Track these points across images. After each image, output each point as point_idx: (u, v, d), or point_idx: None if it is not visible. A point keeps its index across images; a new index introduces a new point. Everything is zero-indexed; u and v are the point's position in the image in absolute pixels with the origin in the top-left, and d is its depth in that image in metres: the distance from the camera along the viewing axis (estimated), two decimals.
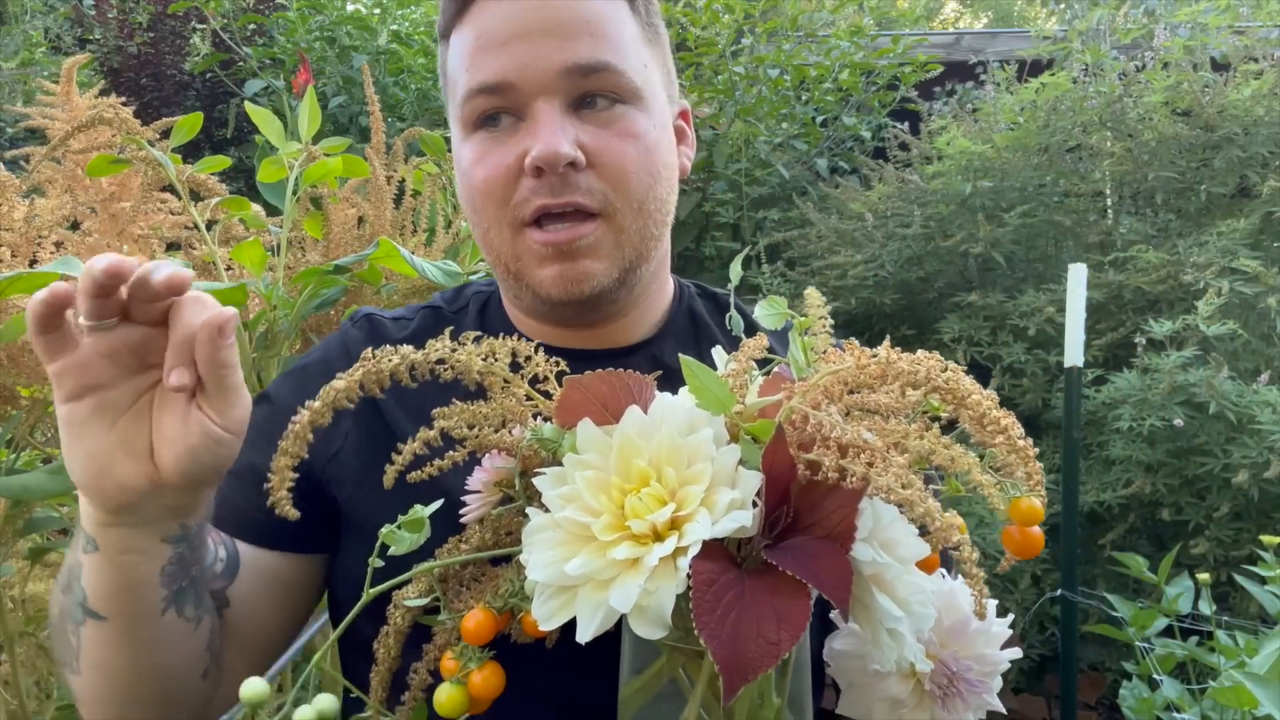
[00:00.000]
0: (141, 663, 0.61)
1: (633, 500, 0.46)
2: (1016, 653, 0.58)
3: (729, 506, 0.44)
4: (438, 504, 0.55)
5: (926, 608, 0.47)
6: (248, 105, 1.21)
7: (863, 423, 0.47)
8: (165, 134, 1.17)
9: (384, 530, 0.52)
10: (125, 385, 0.53)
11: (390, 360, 0.52)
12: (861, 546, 0.45)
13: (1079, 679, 2.24)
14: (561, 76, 0.66)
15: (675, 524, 0.45)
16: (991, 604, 0.57)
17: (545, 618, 0.46)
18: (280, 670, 1.14)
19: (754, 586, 0.43)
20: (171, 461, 0.53)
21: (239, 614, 0.70)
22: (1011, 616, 0.60)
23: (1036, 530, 0.48)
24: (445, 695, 0.50)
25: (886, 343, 0.49)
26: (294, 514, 0.51)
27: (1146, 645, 1.68)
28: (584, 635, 0.44)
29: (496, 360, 0.54)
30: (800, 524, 0.46)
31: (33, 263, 0.95)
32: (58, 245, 1.04)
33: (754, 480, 0.45)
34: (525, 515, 0.50)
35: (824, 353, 0.53)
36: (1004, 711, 0.59)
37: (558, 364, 0.55)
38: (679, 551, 0.43)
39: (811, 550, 0.44)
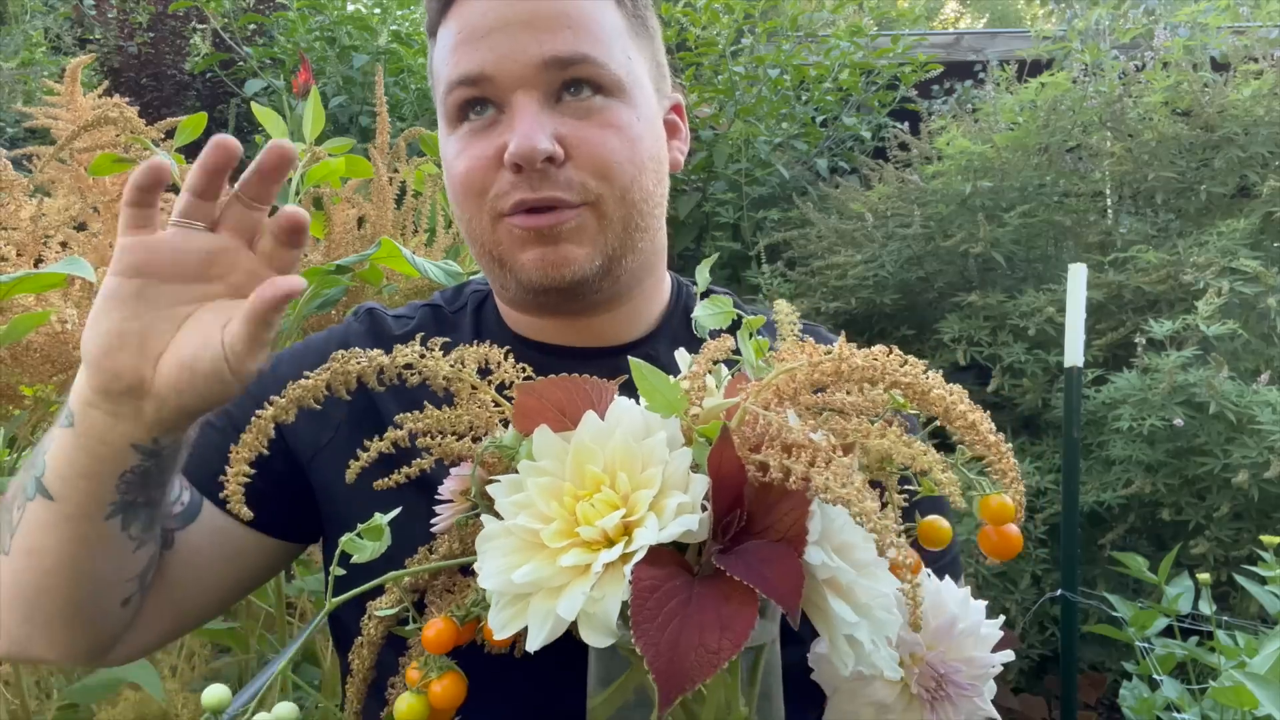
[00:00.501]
0: (69, 558, 0.60)
1: (584, 506, 0.45)
2: (1009, 655, 0.57)
3: (677, 510, 0.43)
4: (396, 511, 0.55)
5: (889, 613, 0.46)
6: (253, 105, 1.21)
7: (827, 423, 0.46)
8: (168, 134, 1.17)
9: (344, 539, 0.52)
10: (177, 287, 0.53)
11: (357, 363, 0.52)
12: (814, 550, 0.44)
13: (1079, 679, 2.24)
14: (540, 69, 0.66)
15: (628, 529, 0.44)
16: (981, 604, 0.57)
17: (499, 626, 0.45)
18: (280, 672, 1.14)
19: (702, 593, 0.42)
20: (170, 375, 0.53)
21: (179, 562, 0.68)
22: (1003, 618, 0.58)
23: (1013, 529, 0.47)
24: (405, 705, 0.51)
25: (842, 338, 0.48)
26: (246, 514, 0.52)
27: (1146, 645, 1.68)
28: (533, 644, 0.44)
29: (464, 367, 0.53)
30: (754, 528, 0.45)
31: (38, 262, 0.95)
32: (63, 245, 1.04)
33: (702, 483, 0.44)
34: (474, 518, 0.50)
35: (771, 351, 0.52)
36: (997, 717, 0.58)
37: (524, 370, 0.55)
38: (625, 558, 0.43)
39: (763, 555, 0.43)
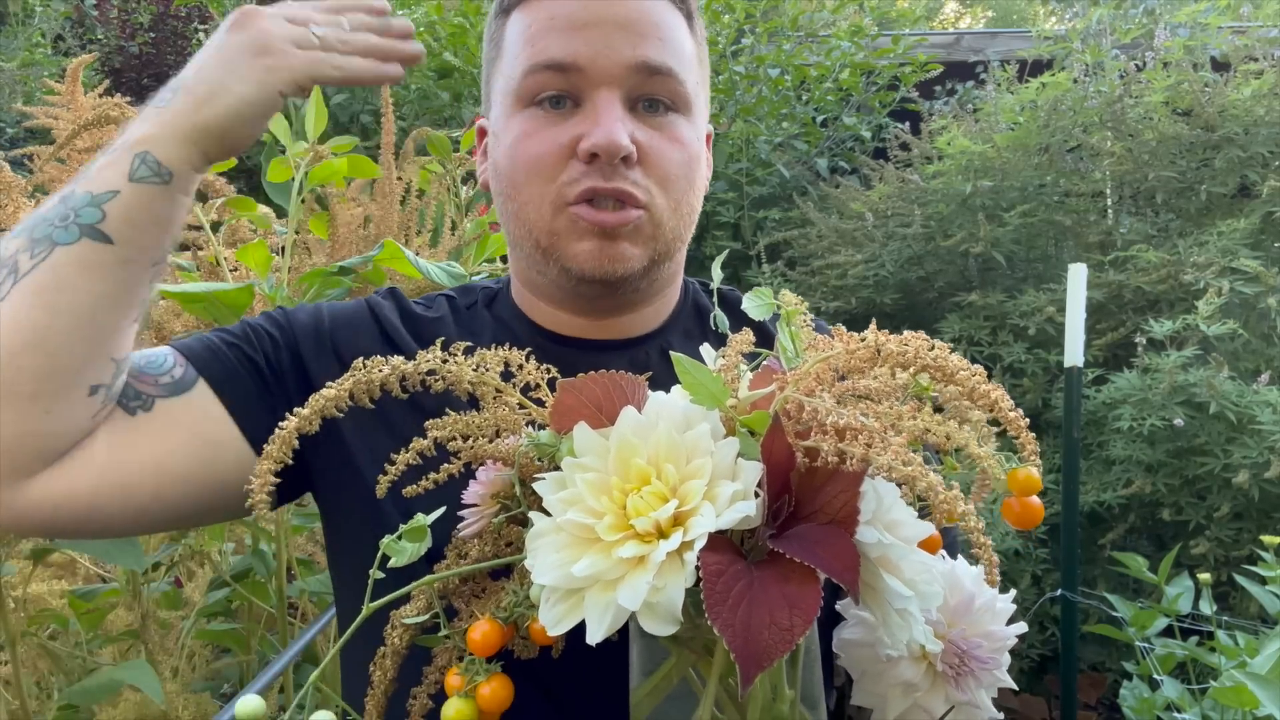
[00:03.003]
0: (91, 301, 0.59)
1: (635, 499, 0.46)
2: (1023, 627, 0.58)
3: (732, 498, 0.44)
4: (439, 511, 0.54)
5: (933, 586, 0.47)
6: None
7: (856, 409, 0.48)
8: None
9: (384, 541, 0.52)
10: None
11: (380, 370, 0.52)
12: (866, 529, 0.45)
13: (1079, 679, 2.25)
14: (630, 71, 0.68)
15: (679, 520, 0.45)
16: (981, 571, 0.58)
17: (553, 622, 0.45)
18: (280, 673, 1.15)
19: (762, 576, 0.44)
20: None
21: (149, 429, 0.66)
22: (1014, 592, 0.60)
23: (1035, 500, 0.48)
24: (454, 710, 0.50)
25: (873, 325, 0.50)
26: (270, 514, 0.52)
27: (1146, 645, 1.68)
28: (594, 636, 0.44)
29: (488, 370, 0.54)
30: (803, 512, 0.47)
31: None
32: None
33: (755, 470, 0.46)
34: (525, 524, 0.50)
35: (810, 342, 0.54)
36: (1014, 686, 0.60)
37: (549, 371, 0.55)
38: (685, 546, 0.44)
39: (816, 537, 0.45)
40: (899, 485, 0.45)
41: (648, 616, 0.43)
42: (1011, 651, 0.58)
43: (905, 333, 0.48)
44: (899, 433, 0.46)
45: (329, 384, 0.52)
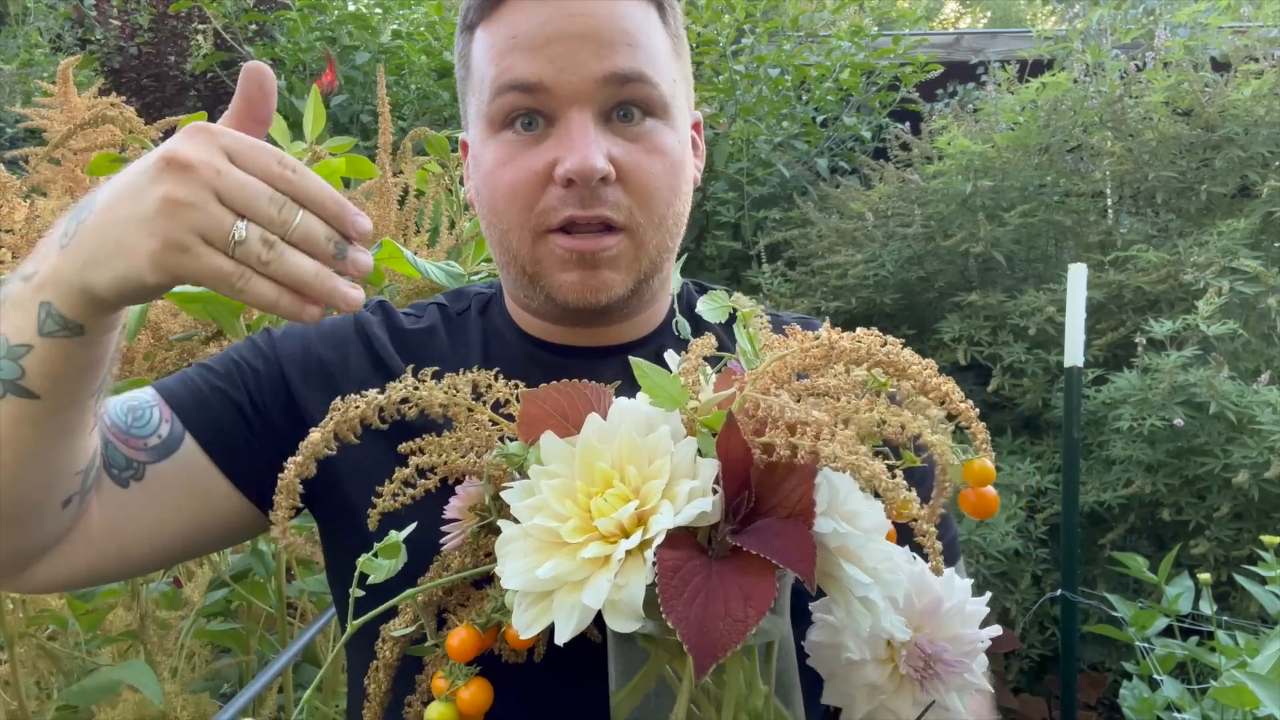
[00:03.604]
0: (31, 449, 0.56)
1: (598, 502, 0.47)
2: (997, 630, 0.58)
3: (690, 495, 0.46)
4: (411, 528, 0.56)
5: (896, 574, 0.49)
6: None
7: (817, 406, 0.49)
8: (166, 133, 1.17)
9: (361, 559, 0.54)
10: None
11: (357, 407, 0.55)
12: (823, 520, 0.47)
13: (1079, 679, 2.25)
14: (598, 85, 0.66)
15: (641, 519, 0.47)
16: (967, 583, 0.59)
17: (525, 626, 0.47)
18: (280, 673, 1.14)
19: (721, 570, 0.45)
20: None
21: (142, 495, 0.66)
22: (989, 594, 0.61)
23: (990, 491, 0.51)
24: (435, 714, 0.52)
25: (826, 323, 0.52)
26: (297, 542, 0.53)
27: (1146, 645, 1.68)
28: (562, 636, 0.45)
29: (458, 393, 0.56)
30: (762, 508, 0.48)
31: None
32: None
33: (711, 467, 0.47)
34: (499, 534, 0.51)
35: (766, 343, 0.55)
36: (988, 688, 0.60)
37: (517, 385, 0.57)
38: (645, 544, 0.45)
39: (775, 530, 0.46)
40: (847, 474, 0.46)
41: (612, 614, 0.45)
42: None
43: (858, 330, 0.50)
44: (855, 426, 0.48)
45: (314, 429, 0.54)
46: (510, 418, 0.57)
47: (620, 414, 0.50)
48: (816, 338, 0.50)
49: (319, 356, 0.73)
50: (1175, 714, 1.55)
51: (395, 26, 3.89)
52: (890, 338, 0.50)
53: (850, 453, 0.44)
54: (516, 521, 0.50)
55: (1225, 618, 1.71)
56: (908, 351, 0.49)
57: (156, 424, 0.67)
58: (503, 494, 0.51)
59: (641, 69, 0.67)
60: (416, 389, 0.55)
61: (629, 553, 0.45)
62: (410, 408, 0.55)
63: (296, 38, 3.83)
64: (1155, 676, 1.62)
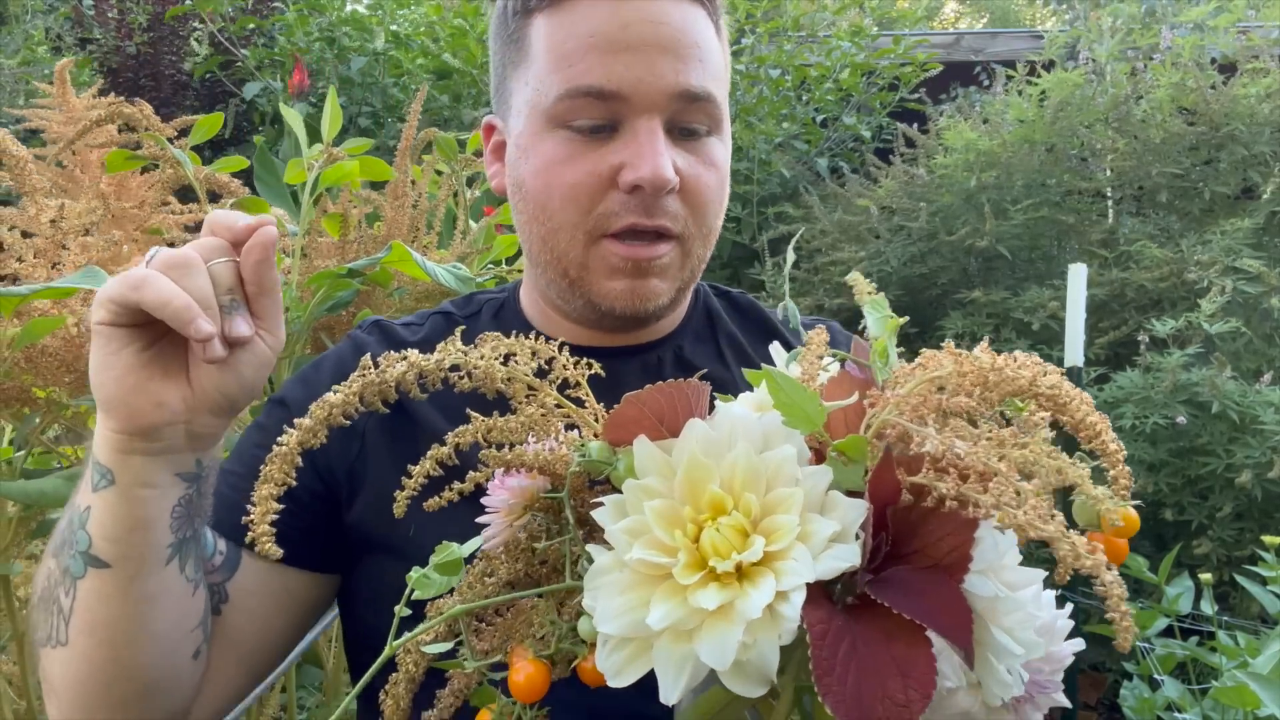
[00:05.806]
0: (139, 623, 0.58)
1: (711, 533, 0.39)
2: (1079, 644, 0.53)
3: (829, 540, 0.38)
4: (477, 541, 0.48)
5: (1034, 636, 0.42)
6: (282, 107, 1.22)
7: (965, 436, 0.41)
8: (182, 133, 1.18)
9: (412, 575, 0.47)
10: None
11: (395, 368, 0.46)
12: (978, 579, 0.39)
13: (1079, 679, 2.24)
14: (672, 98, 0.66)
15: (764, 560, 0.39)
16: (1050, 594, 0.55)
17: (614, 672, 0.39)
18: (279, 672, 1.14)
19: (864, 633, 0.37)
20: (214, 380, 0.54)
21: (236, 613, 0.67)
22: (1071, 607, 0.54)
23: (1122, 541, 0.45)
24: None
25: (984, 344, 0.44)
26: (275, 552, 0.46)
27: (1147, 645, 1.68)
28: (669, 695, 0.38)
29: (517, 363, 0.47)
30: (899, 551, 0.40)
31: (53, 265, 0.94)
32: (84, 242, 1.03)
33: (856, 509, 0.38)
34: (557, 536, 0.46)
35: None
36: (1067, 704, 0.57)
37: (590, 365, 0.50)
38: (779, 597, 0.37)
39: (917, 584, 0.38)
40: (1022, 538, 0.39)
41: (736, 677, 0.37)
42: None
43: (1017, 354, 0.42)
44: (1039, 480, 0.40)
45: (335, 388, 0.47)
46: (579, 402, 0.49)
47: (732, 425, 0.41)
48: (975, 359, 0.41)
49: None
50: (1176, 714, 1.54)
51: (394, 28, 3.89)
52: (1050, 365, 0.42)
53: (1045, 521, 0.36)
54: (590, 535, 0.42)
55: (1226, 618, 1.71)
56: (1068, 384, 0.41)
57: (213, 543, 0.66)
58: (594, 513, 0.42)
59: (710, 87, 0.68)
60: (467, 354, 0.46)
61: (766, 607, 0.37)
62: (461, 377, 0.47)
63: (294, 40, 3.83)
64: (1156, 676, 1.62)
